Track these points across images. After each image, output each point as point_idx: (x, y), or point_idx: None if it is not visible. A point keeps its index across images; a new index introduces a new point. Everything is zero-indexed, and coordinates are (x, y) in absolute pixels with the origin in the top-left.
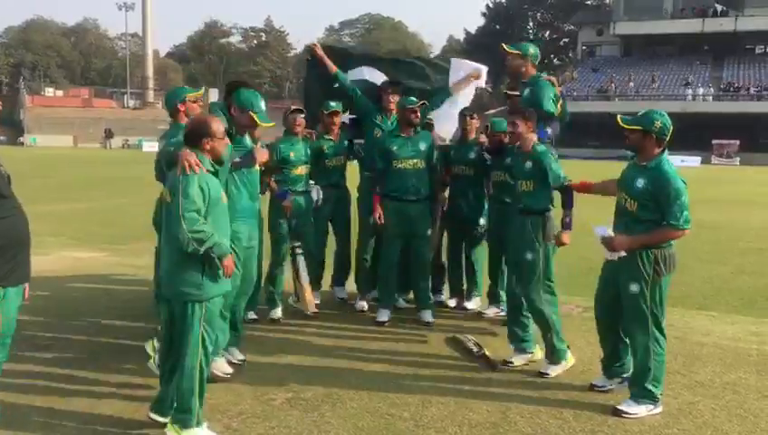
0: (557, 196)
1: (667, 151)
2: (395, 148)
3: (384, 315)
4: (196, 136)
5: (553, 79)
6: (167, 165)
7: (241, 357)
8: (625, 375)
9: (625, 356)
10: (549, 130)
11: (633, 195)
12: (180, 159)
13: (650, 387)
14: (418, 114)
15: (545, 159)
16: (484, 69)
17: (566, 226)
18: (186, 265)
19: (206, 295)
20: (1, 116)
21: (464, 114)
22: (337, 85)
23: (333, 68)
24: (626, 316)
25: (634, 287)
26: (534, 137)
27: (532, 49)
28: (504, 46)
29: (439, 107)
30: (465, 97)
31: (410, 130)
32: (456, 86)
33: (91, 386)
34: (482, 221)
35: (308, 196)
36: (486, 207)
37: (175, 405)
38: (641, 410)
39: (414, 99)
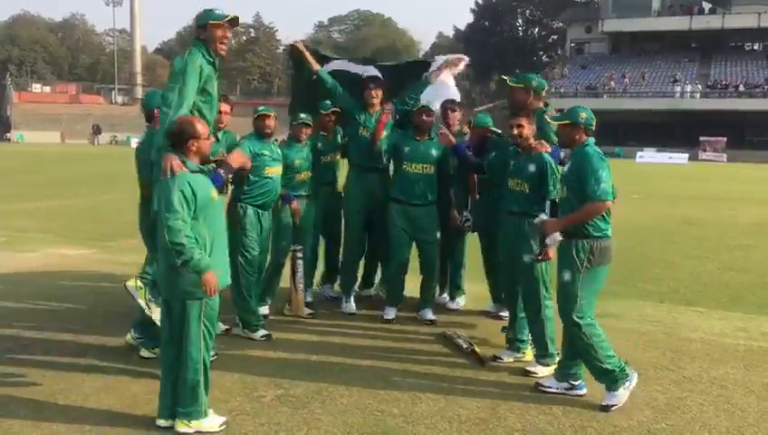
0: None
1: (593, 139)
2: (406, 149)
3: (391, 313)
4: (182, 138)
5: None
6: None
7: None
8: (574, 383)
9: (580, 364)
10: (562, 154)
11: (564, 181)
12: (162, 163)
13: (608, 367)
14: (430, 115)
15: (550, 169)
16: (464, 58)
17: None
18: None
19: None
20: None
21: (445, 107)
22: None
23: (316, 66)
24: (558, 302)
25: (567, 276)
26: (545, 145)
27: (536, 82)
28: (507, 79)
29: (417, 98)
30: (454, 91)
31: (424, 134)
32: (435, 73)
33: (79, 383)
34: (465, 213)
35: (309, 200)
36: (469, 201)
37: (181, 400)
38: (622, 395)
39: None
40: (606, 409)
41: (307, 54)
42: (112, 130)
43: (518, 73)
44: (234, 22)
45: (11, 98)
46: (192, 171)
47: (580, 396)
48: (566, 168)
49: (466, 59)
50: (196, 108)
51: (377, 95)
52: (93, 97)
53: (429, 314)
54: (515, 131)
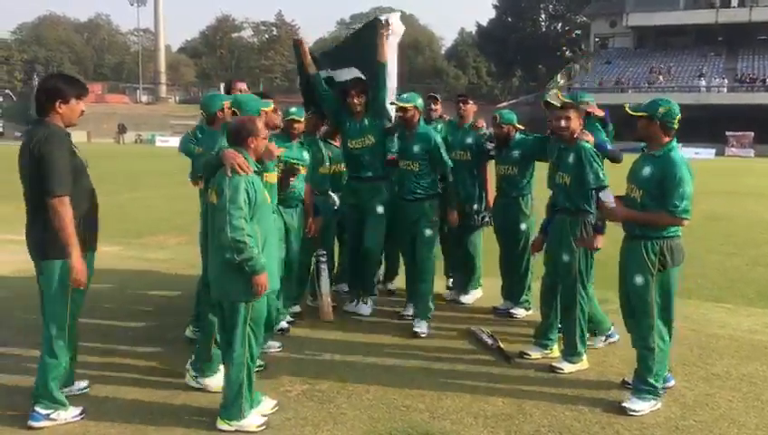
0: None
1: (677, 142)
2: (397, 148)
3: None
4: (242, 135)
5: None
6: (209, 171)
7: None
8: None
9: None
10: (609, 146)
11: (639, 183)
12: (228, 159)
13: (652, 381)
14: (406, 110)
15: (587, 156)
16: (393, 17)
17: (598, 229)
18: (234, 265)
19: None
20: (14, 113)
21: (456, 100)
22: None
23: (313, 68)
24: (631, 308)
25: (639, 279)
26: (585, 135)
27: (587, 98)
28: (547, 99)
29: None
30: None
31: (410, 129)
32: (381, 52)
33: (108, 379)
34: (475, 207)
35: (326, 198)
36: (484, 195)
37: (224, 398)
38: (645, 407)
39: (404, 96)
40: (624, 411)
41: (307, 56)
42: (137, 128)
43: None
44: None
45: None
46: (254, 171)
47: (669, 388)
48: (644, 172)
49: (396, 15)
50: None
51: (359, 102)
52: (118, 96)
53: (416, 326)
54: (563, 123)
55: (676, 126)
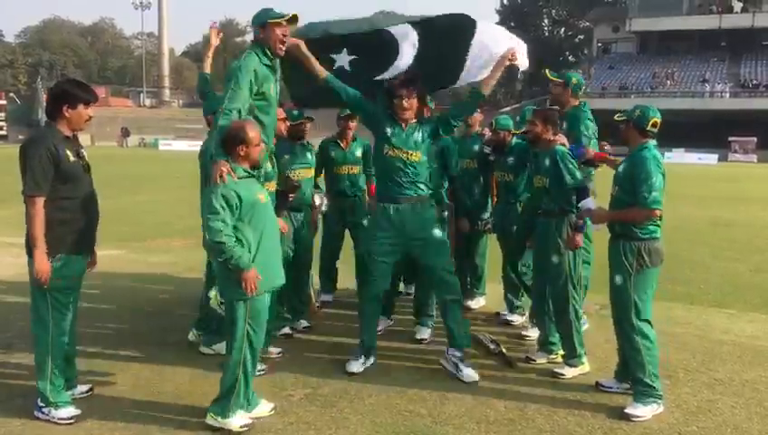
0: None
1: (653, 142)
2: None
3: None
4: (232, 143)
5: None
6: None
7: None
8: None
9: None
10: (583, 150)
11: (616, 181)
12: (212, 170)
13: (648, 381)
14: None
15: (562, 159)
16: (522, 48)
17: (578, 227)
18: (227, 265)
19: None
20: (19, 116)
21: None
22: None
23: (323, 72)
24: (613, 309)
25: (618, 279)
26: (559, 139)
27: (575, 79)
28: (548, 73)
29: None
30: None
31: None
32: (488, 80)
33: (111, 381)
34: (483, 215)
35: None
36: (490, 202)
37: (219, 394)
38: (647, 412)
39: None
40: (626, 416)
41: (311, 59)
42: (140, 132)
43: (562, 72)
44: (293, 20)
45: (42, 101)
46: (240, 177)
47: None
48: (620, 169)
49: (525, 46)
50: (252, 111)
51: (410, 105)
52: (122, 100)
53: (418, 333)
54: (527, 126)
55: (648, 128)
